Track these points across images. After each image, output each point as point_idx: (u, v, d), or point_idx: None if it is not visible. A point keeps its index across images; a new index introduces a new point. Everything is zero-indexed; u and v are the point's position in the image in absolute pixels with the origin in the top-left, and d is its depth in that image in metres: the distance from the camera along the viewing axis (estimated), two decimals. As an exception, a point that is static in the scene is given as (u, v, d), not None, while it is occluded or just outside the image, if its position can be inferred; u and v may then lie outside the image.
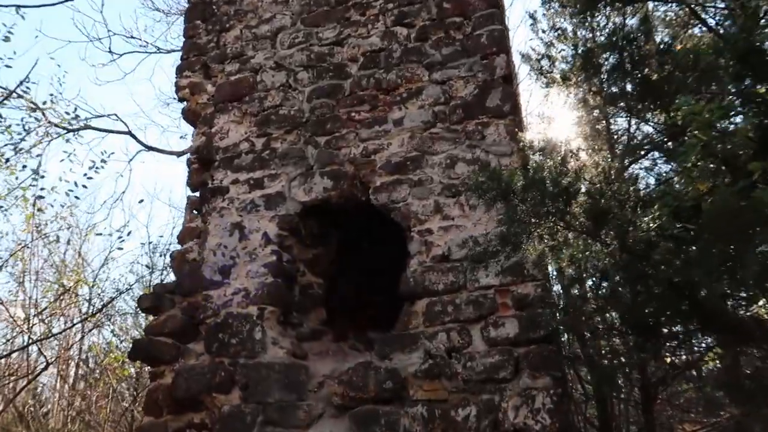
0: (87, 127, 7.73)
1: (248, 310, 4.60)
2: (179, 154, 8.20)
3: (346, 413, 4.08)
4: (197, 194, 5.54)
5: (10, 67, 8.70)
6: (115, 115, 8.31)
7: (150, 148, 8.41)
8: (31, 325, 8.73)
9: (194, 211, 5.56)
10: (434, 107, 4.76)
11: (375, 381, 4.05)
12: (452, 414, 3.83)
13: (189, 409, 4.59)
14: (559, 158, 2.70)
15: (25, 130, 7.88)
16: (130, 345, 4.98)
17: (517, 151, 4.31)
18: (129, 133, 7.97)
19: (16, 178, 8.30)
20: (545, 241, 2.71)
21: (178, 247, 5.39)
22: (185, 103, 5.95)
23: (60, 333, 9.07)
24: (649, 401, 6.88)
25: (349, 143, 4.91)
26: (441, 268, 4.23)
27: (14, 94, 7.62)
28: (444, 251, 4.28)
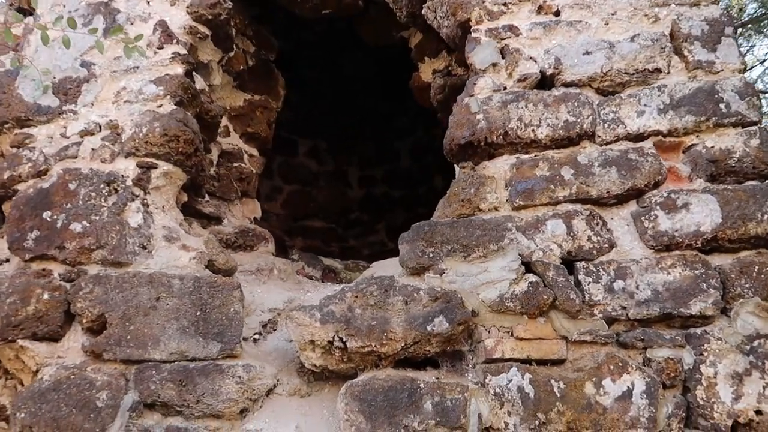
0: None
1: (115, 167, 2.15)
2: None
3: (339, 385, 1.84)
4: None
5: None
6: None
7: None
8: None
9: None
10: None
11: (407, 317, 1.83)
12: (587, 389, 1.74)
13: (-38, 373, 2.11)
14: None
15: None
16: None
17: None
18: None
19: None
20: None
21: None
22: None
23: None
24: None
25: None
26: (540, 99, 2.08)
27: None
28: (544, 67, 2.13)
